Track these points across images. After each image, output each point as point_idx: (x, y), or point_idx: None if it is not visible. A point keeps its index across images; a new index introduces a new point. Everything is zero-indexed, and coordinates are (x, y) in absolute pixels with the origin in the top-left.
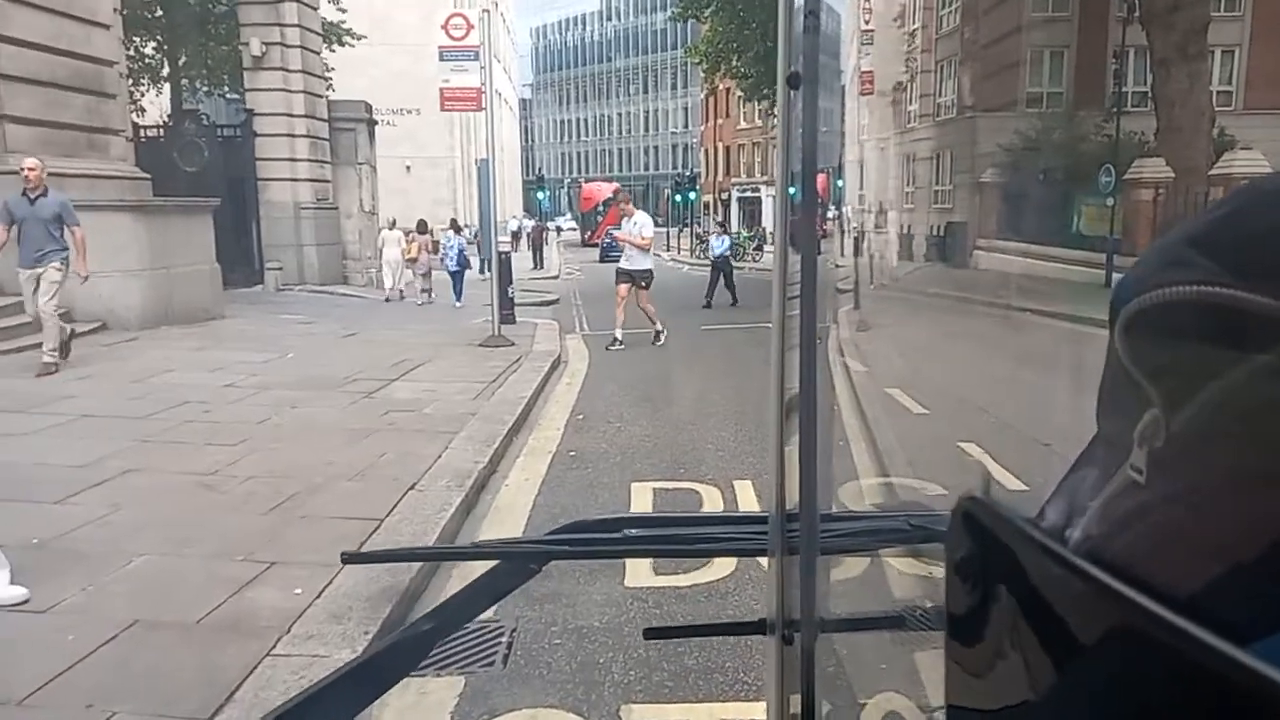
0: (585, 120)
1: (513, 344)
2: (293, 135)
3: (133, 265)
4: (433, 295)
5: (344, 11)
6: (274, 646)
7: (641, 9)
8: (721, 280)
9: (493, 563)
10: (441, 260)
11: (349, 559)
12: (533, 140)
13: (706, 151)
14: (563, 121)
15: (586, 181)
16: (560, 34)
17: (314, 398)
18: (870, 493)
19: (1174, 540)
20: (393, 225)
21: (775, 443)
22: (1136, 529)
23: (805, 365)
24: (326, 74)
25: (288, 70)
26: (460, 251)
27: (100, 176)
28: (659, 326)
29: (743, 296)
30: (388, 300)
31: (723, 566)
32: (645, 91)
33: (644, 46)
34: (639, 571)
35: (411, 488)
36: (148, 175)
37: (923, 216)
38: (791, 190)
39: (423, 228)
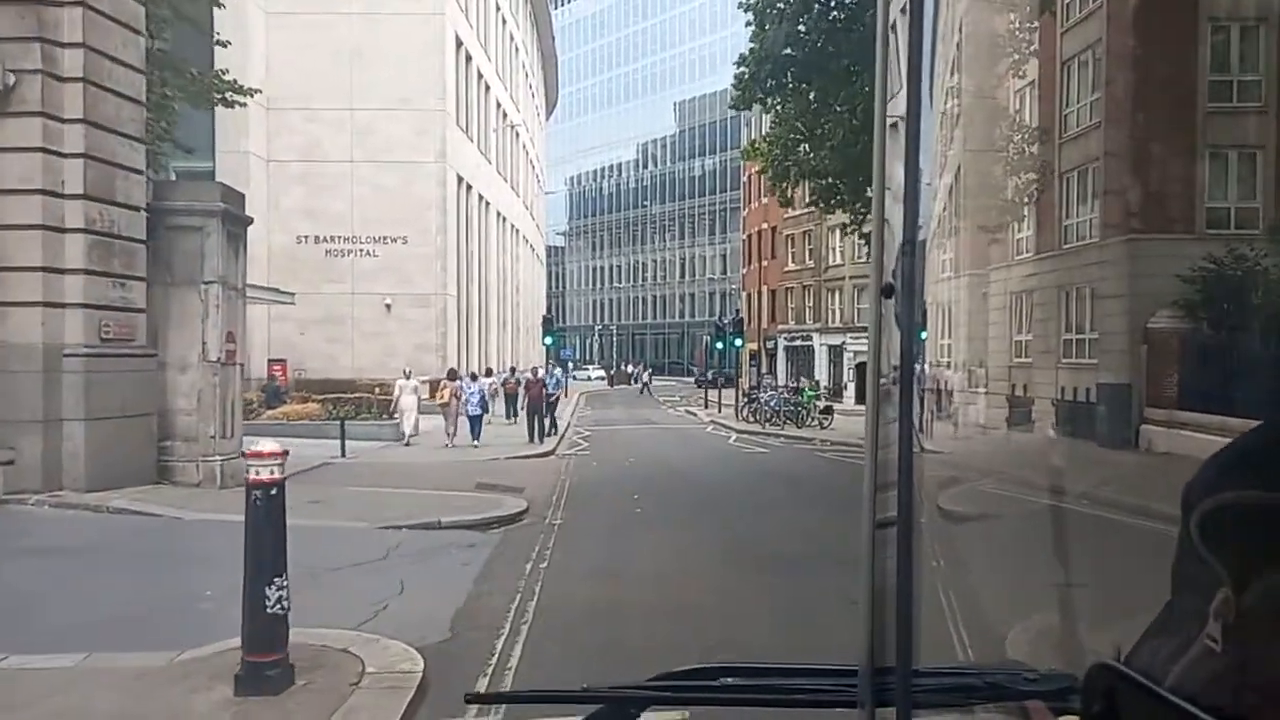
0: (619, 266)
1: None
2: (58, 229)
3: None
4: (454, 440)
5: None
6: None
7: (678, 156)
8: None
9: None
10: (464, 405)
11: (471, 699)
12: (564, 287)
13: (749, 296)
14: (596, 268)
15: None
16: (595, 181)
17: None
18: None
19: (1245, 701)
20: (408, 375)
21: (866, 596)
22: (1215, 693)
23: (901, 525)
24: (160, 137)
25: (55, 119)
26: (481, 397)
27: None
28: None
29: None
30: (406, 444)
31: None
32: (681, 237)
33: (680, 192)
34: None
35: None
36: None
37: (1048, 375)
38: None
39: (452, 375)
